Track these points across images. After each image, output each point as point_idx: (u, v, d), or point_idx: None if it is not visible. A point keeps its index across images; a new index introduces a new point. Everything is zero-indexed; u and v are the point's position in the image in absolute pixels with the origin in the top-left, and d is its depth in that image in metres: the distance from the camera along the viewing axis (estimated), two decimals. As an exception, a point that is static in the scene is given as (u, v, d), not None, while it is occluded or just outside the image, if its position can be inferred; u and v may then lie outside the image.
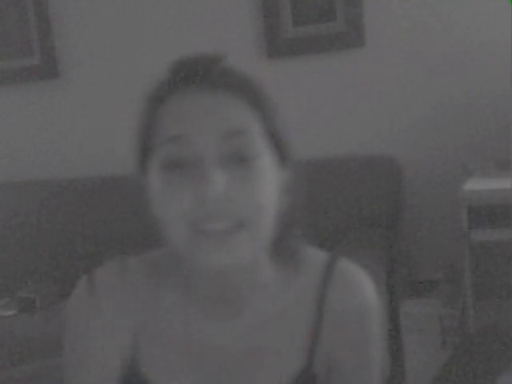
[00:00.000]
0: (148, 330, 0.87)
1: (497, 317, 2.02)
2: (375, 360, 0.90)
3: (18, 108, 2.89)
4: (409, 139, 2.40)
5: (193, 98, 0.78)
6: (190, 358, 0.86)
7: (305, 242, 0.89)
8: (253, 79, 0.83)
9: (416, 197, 2.39)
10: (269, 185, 0.78)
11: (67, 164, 2.81)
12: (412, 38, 2.35)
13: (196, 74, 0.79)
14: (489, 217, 1.90)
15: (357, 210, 2.28)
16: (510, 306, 1.98)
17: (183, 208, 0.75)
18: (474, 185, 1.99)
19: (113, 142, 2.71)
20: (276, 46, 2.48)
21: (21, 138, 2.90)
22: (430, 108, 2.36)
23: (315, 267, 0.88)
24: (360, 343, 0.88)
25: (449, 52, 2.32)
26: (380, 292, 2.00)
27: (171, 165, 0.76)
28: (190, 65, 0.80)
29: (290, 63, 2.50)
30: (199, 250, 0.76)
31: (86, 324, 0.88)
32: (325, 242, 2.22)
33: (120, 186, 2.57)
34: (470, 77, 2.30)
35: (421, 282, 2.29)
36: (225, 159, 0.75)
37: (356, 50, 2.41)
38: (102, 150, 2.75)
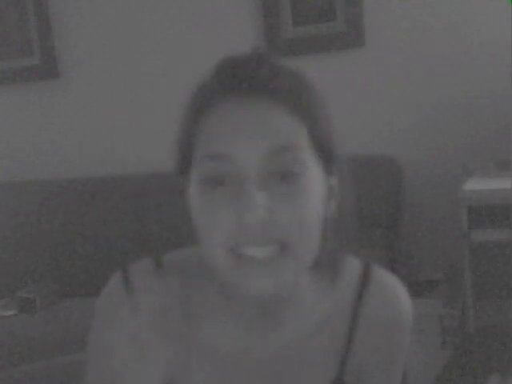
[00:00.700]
0: (185, 338, 0.82)
1: (497, 317, 2.02)
2: (400, 372, 0.90)
3: (18, 108, 2.89)
4: (409, 139, 2.40)
5: (237, 109, 0.72)
6: (227, 370, 0.83)
7: (343, 251, 0.86)
8: (305, 78, 0.78)
9: (416, 197, 2.39)
10: (315, 199, 0.73)
11: (67, 164, 2.81)
12: (412, 38, 2.35)
13: (242, 80, 0.73)
14: (489, 217, 1.90)
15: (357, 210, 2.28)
16: (510, 306, 1.98)
17: (222, 231, 0.70)
18: (474, 185, 1.99)
19: (113, 142, 2.72)
20: (276, 46, 2.48)
21: (21, 138, 2.90)
22: (430, 108, 2.36)
23: (351, 277, 0.85)
24: (390, 353, 0.87)
25: (449, 52, 2.32)
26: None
27: (212, 182, 0.71)
28: (235, 67, 0.74)
29: (289, 63, 2.49)
30: (241, 276, 0.72)
31: (122, 324, 0.81)
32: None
33: (120, 186, 2.58)
34: (470, 77, 2.30)
35: (421, 282, 2.29)
36: (268, 176, 0.70)
37: (356, 49, 2.41)
38: (102, 150, 2.75)
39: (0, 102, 2.90)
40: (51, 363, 1.27)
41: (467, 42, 2.29)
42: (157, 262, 0.84)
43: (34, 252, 2.58)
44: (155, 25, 2.60)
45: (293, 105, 0.73)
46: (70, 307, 2.31)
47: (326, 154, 0.77)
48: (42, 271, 2.54)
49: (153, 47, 2.59)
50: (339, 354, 0.85)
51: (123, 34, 2.66)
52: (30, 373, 1.26)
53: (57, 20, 2.75)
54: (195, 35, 2.54)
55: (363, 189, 2.29)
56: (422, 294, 2.20)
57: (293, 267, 0.72)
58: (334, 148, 0.79)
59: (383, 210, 2.27)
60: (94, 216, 2.54)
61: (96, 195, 2.59)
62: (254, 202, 0.69)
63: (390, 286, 0.87)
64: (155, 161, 2.37)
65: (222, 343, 0.82)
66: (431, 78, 2.35)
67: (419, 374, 2.04)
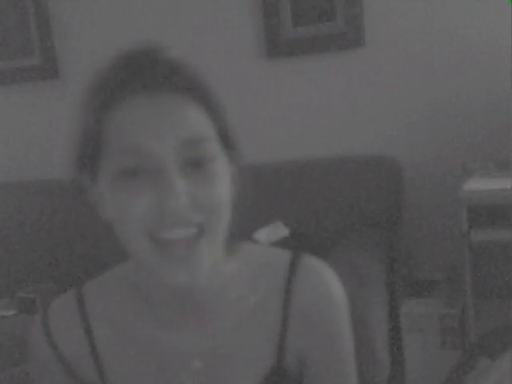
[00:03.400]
0: (112, 352, 0.87)
1: (497, 317, 2.02)
2: (346, 350, 0.90)
3: (18, 108, 2.89)
4: (409, 139, 2.40)
5: (144, 103, 0.74)
6: (157, 371, 0.86)
7: (267, 244, 0.91)
8: (199, 72, 0.80)
9: (416, 197, 2.39)
10: (225, 184, 0.78)
11: (67, 164, 2.80)
12: (412, 38, 2.35)
13: (144, 74, 0.75)
14: (489, 217, 1.90)
15: (357, 210, 2.28)
16: (510, 306, 1.98)
17: (142, 218, 0.73)
18: (474, 185, 1.99)
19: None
20: (276, 45, 2.48)
21: (21, 138, 2.90)
22: (430, 108, 2.36)
23: (280, 266, 0.88)
24: (328, 333, 0.88)
25: (449, 52, 2.32)
26: (380, 292, 2.01)
27: (128, 174, 0.74)
28: (136, 63, 0.77)
29: (290, 63, 2.50)
30: (163, 266, 0.75)
31: (44, 366, 0.89)
32: (325, 242, 2.23)
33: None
34: (470, 77, 2.30)
35: (421, 282, 2.29)
36: (184, 166, 0.74)
37: (356, 49, 2.41)
38: (102, 150, 2.75)
39: (0, 102, 2.90)
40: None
41: (467, 42, 2.29)
42: (77, 295, 0.89)
43: (34, 252, 2.58)
44: (155, 25, 2.60)
45: (196, 97, 0.76)
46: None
47: (230, 144, 0.81)
48: (42, 271, 2.54)
49: (153, 47, 2.58)
50: (275, 342, 0.87)
51: (123, 34, 2.65)
52: (31, 373, 1.26)
53: (57, 20, 2.75)
54: (195, 35, 2.54)
55: (363, 189, 2.29)
56: (422, 294, 2.20)
57: (209, 250, 0.76)
58: (235, 138, 0.82)
59: (383, 210, 2.27)
60: (94, 216, 2.54)
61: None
62: (177, 189, 0.72)
63: (317, 269, 0.89)
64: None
65: (149, 347, 0.86)
66: (431, 78, 2.35)
67: (419, 374, 2.04)
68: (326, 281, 0.88)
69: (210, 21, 2.54)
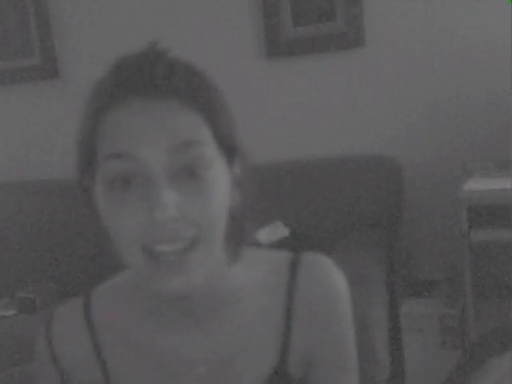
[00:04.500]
0: (118, 357, 0.87)
1: (497, 317, 2.02)
2: (349, 345, 0.89)
3: (18, 108, 2.89)
4: (409, 139, 2.40)
5: (136, 109, 0.72)
6: (162, 376, 0.86)
7: (265, 245, 0.91)
8: (202, 73, 0.77)
9: (416, 197, 2.39)
10: (221, 192, 0.74)
11: (67, 164, 2.80)
12: (412, 38, 2.35)
13: (139, 79, 0.73)
14: (489, 217, 1.90)
15: (357, 210, 2.28)
16: (510, 306, 1.98)
17: (133, 230, 0.71)
18: (474, 185, 1.99)
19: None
20: (276, 45, 2.48)
21: (21, 138, 2.90)
22: (429, 108, 2.36)
23: (281, 266, 0.87)
24: (332, 327, 0.87)
25: (449, 52, 2.32)
26: (380, 292, 2.01)
27: (117, 182, 0.71)
28: (132, 67, 0.75)
29: (290, 63, 2.50)
30: (153, 274, 0.73)
31: (48, 377, 0.89)
32: (325, 242, 2.23)
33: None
34: (470, 77, 2.30)
35: (421, 282, 2.29)
36: (175, 174, 0.71)
37: (356, 49, 2.41)
38: (102, 150, 2.75)
39: (0, 102, 2.90)
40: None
41: (467, 42, 2.29)
42: (85, 300, 0.89)
43: (34, 252, 2.58)
44: (155, 25, 2.60)
45: (192, 101, 0.73)
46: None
47: (228, 147, 0.77)
48: (42, 271, 2.54)
49: (153, 47, 2.58)
50: (278, 343, 0.86)
51: (123, 34, 2.66)
52: (30, 373, 1.26)
53: (57, 20, 2.75)
54: (195, 35, 2.55)
55: (363, 189, 2.29)
56: (422, 294, 2.20)
57: (203, 260, 0.74)
58: (235, 140, 0.79)
59: (383, 210, 2.27)
60: (94, 216, 2.54)
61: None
62: (164, 199, 0.69)
63: (319, 264, 0.87)
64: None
65: (153, 351, 0.85)
66: (431, 78, 2.35)
67: (419, 374, 2.04)
68: (327, 275, 0.87)
69: (210, 21, 2.54)
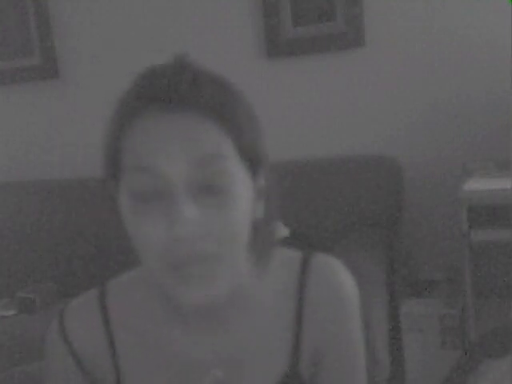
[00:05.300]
0: (131, 354, 0.86)
1: (497, 317, 2.02)
2: (358, 344, 0.90)
3: (18, 108, 2.89)
4: (409, 139, 2.40)
5: (159, 121, 0.72)
6: (172, 374, 0.85)
7: (279, 244, 0.89)
8: (228, 85, 0.77)
9: (416, 197, 2.39)
10: (244, 206, 0.74)
11: (67, 164, 2.81)
12: (412, 38, 2.35)
13: (163, 91, 0.73)
14: (489, 217, 1.90)
15: (357, 210, 2.28)
16: (510, 306, 1.98)
17: (155, 245, 0.71)
18: (474, 185, 1.99)
19: (113, 142, 2.71)
20: (276, 45, 2.48)
21: (21, 138, 2.90)
22: (429, 108, 2.36)
23: (291, 267, 0.87)
24: (341, 330, 0.87)
25: (449, 52, 2.32)
26: (380, 292, 2.01)
27: (141, 196, 0.71)
28: (157, 79, 0.74)
29: (290, 63, 2.50)
30: (177, 288, 0.73)
31: (64, 371, 0.87)
32: (325, 242, 2.23)
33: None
34: (470, 77, 2.30)
35: (421, 282, 2.29)
36: (196, 188, 0.70)
37: (356, 49, 2.41)
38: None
39: (0, 102, 2.90)
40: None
41: (467, 42, 2.29)
42: (100, 293, 0.88)
43: (34, 252, 2.58)
44: (155, 25, 2.60)
45: (215, 114, 0.72)
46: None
47: (252, 159, 0.77)
48: (42, 271, 2.54)
49: (153, 47, 2.58)
50: (290, 345, 0.86)
51: (123, 34, 2.66)
52: (30, 373, 1.26)
53: (57, 20, 2.75)
54: (195, 35, 2.55)
55: (363, 189, 2.29)
56: (422, 294, 2.20)
57: (226, 275, 0.74)
58: (259, 152, 0.78)
59: (383, 210, 2.27)
60: (94, 216, 2.54)
61: (96, 195, 2.59)
62: (184, 215, 0.69)
63: (329, 265, 0.88)
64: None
65: (166, 350, 0.85)
66: (431, 78, 2.35)
67: (419, 374, 2.04)
68: (337, 276, 0.87)
69: (210, 21, 2.54)
